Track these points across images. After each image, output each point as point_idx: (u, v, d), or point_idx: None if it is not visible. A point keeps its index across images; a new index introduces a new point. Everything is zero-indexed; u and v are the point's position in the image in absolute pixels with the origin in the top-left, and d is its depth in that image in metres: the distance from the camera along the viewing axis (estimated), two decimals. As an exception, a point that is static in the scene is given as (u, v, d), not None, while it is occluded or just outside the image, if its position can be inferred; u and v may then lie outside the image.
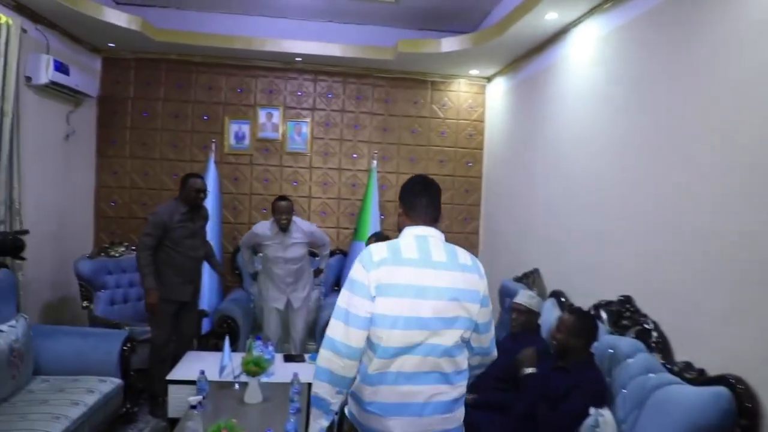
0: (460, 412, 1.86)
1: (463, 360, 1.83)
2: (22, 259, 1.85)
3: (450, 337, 1.76)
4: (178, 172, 5.09)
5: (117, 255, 4.46)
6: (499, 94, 5.22)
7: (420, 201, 1.88)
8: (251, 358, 3.09)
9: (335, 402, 1.78)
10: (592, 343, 2.65)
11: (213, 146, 5.06)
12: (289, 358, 3.84)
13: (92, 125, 5.02)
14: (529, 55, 4.40)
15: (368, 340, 1.76)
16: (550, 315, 3.29)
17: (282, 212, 4.05)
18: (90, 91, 4.59)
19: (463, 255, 1.88)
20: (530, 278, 3.98)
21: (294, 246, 4.14)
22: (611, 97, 3.15)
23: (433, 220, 1.90)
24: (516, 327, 3.12)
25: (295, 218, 4.18)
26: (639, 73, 2.88)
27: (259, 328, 4.48)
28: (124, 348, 3.51)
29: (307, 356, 3.90)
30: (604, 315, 2.88)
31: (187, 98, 5.17)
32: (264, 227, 4.17)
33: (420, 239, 1.84)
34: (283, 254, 4.12)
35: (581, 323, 2.62)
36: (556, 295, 3.51)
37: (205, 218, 4.03)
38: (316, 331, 4.52)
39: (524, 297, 3.15)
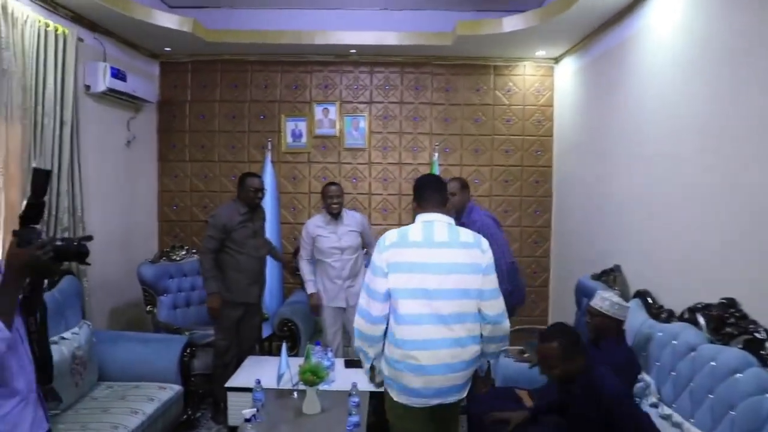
0: (470, 371, 2.23)
1: (475, 326, 2.18)
2: (87, 264, 1.89)
3: (458, 306, 2.14)
4: (236, 173, 5.03)
5: (178, 259, 4.46)
6: (568, 75, 4.81)
7: (432, 195, 2.29)
8: (308, 367, 2.94)
9: (371, 351, 2.28)
10: (585, 349, 2.28)
11: (269, 145, 4.98)
12: (350, 364, 3.67)
13: (153, 130, 5.06)
14: (603, 29, 3.98)
15: (391, 308, 2.18)
16: (635, 318, 2.92)
17: (333, 196, 3.91)
18: (149, 96, 4.62)
19: (465, 234, 2.25)
20: (610, 276, 3.59)
21: (348, 234, 3.99)
22: (705, 70, 2.72)
23: (441, 205, 2.30)
24: (590, 332, 2.78)
25: (345, 209, 4.05)
26: (742, 37, 2.45)
27: (320, 332, 4.34)
28: (184, 354, 3.47)
29: (369, 361, 3.71)
30: (701, 320, 2.49)
31: (243, 98, 5.11)
32: (315, 220, 4.04)
33: (426, 224, 2.22)
34: (338, 243, 3.95)
35: (566, 342, 2.21)
36: (642, 295, 3.12)
37: (263, 218, 3.97)
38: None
39: (597, 300, 2.79)
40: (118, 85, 4.09)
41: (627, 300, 3.16)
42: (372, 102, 5.15)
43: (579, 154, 4.55)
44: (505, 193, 5.19)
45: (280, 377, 3.13)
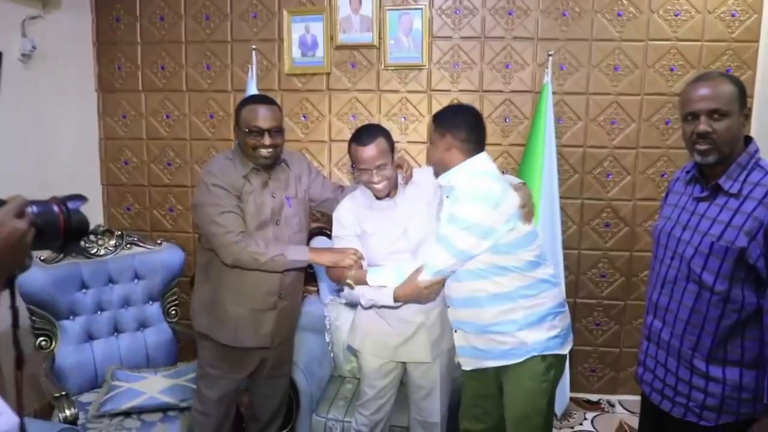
0: None
1: None
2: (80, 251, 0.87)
3: None
4: (215, 109, 3.19)
5: (101, 253, 2.63)
6: None
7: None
8: None
9: None
10: None
11: (254, 58, 2.98)
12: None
13: (85, 41, 3.20)
14: None
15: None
16: None
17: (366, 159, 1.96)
18: (60, -22, 2.75)
19: None
20: None
21: (416, 216, 2.02)
22: None
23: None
24: None
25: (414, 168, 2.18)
26: None
27: (339, 382, 2.45)
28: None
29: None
30: None
31: (224, -15, 3.14)
32: (350, 205, 2.09)
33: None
34: (405, 243, 2.00)
35: None
36: None
37: (300, 173, 2.22)
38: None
39: None
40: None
41: None
42: (435, -14, 3.04)
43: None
44: (663, 145, 3.02)
45: None
